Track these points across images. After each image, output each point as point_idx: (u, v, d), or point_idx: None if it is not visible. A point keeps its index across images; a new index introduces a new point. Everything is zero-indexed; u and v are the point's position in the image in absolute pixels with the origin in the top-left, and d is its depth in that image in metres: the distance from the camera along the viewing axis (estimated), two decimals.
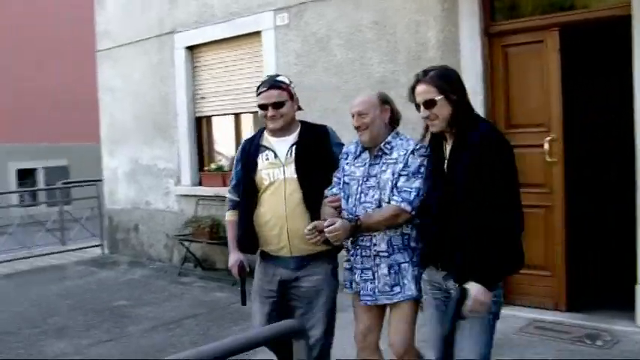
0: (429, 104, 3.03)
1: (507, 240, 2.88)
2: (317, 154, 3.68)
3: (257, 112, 8.31)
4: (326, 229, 3.26)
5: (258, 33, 8.04)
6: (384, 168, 3.40)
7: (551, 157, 5.84)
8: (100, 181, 11.07)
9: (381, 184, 3.38)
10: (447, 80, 3.06)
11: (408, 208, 3.28)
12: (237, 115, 8.83)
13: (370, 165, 3.46)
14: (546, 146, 5.83)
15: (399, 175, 3.33)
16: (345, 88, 7.11)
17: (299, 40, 7.56)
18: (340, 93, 7.15)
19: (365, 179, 3.44)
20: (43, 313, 6.99)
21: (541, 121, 5.90)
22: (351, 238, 3.44)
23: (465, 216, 2.90)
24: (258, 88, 3.76)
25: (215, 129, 9.27)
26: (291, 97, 3.73)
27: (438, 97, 3.01)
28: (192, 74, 9.08)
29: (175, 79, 9.19)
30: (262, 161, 3.72)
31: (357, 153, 3.55)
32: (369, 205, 3.38)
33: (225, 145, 9.20)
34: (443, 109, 3.02)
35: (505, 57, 6.10)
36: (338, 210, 3.53)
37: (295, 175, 3.62)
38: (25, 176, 17.67)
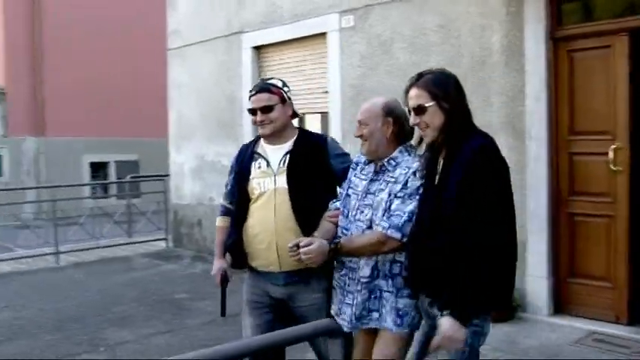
0: (419, 111, 2.78)
1: (491, 269, 2.55)
2: (312, 165, 3.41)
3: (322, 112, 8.44)
4: (301, 250, 2.97)
5: (323, 34, 8.11)
6: (382, 186, 3.08)
7: (616, 166, 5.70)
8: (167, 176, 11.35)
9: (375, 204, 3.06)
10: (442, 86, 2.78)
11: (397, 235, 2.92)
12: (302, 116, 8.93)
13: (371, 180, 3.15)
14: (611, 154, 5.69)
15: (395, 196, 3.00)
16: None
17: (363, 43, 7.60)
18: (400, 96, 7.12)
19: (364, 195, 3.13)
20: (108, 302, 7.24)
21: (606, 129, 5.77)
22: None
23: (449, 236, 2.61)
24: (250, 92, 3.58)
25: None
26: (283, 101, 3.48)
27: (429, 104, 2.75)
28: (258, 74, 9.22)
29: (242, 78, 9.35)
30: (255, 169, 3.51)
31: (365, 164, 3.26)
32: (361, 224, 3.08)
33: None
34: (434, 118, 2.75)
35: (570, 62, 5.99)
36: (337, 225, 3.25)
37: (286, 186, 3.38)
38: (98, 169, 18.24)
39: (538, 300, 6.08)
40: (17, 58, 16.68)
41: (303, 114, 8.83)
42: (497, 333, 5.65)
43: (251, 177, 3.48)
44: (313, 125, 8.99)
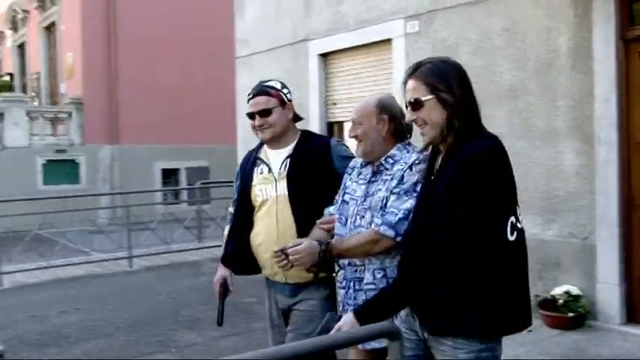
0: (416, 105, 2.43)
1: (470, 292, 2.26)
2: (314, 169, 3.20)
3: None
4: (289, 250, 2.78)
5: (388, 40, 8.13)
6: (380, 186, 2.85)
7: None
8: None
9: (373, 205, 2.83)
10: (442, 77, 2.41)
11: (390, 232, 2.67)
12: None
13: (369, 182, 2.92)
14: None
15: (391, 192, 2.76)
16: None
17: (428, 48, 7.58)
18: None
19: (363, 199, 2.89)
20: (178, 305, 7.43)
21: None
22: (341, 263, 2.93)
23: (440, 236, 2.29)
24: (248, 95, 3.41)
25: (346, 134, 9.43)
26: (282, 103, 3.29)
27: (427, 98, 2.39)
28: (324, 80, 9.30)
29: (308, 86, 9.44)
30: (257, 176, 3.34)
31: (361, 167, 3.03)
32: (363, 229, 2.82)
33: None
34: (433, 113, 2.38)
35: None
36: (331, 233, 2.99)
37: (287, 192, 3.21)
38: (169, 175, 18.65)
39: (609, 308, 5.93)
40: (94, 71, 17.25)
41: None
42: (565, 341, 5.55)
43: (253, 184, 3.34)
44: None
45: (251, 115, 3.32)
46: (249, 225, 3.32)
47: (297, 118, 3.42)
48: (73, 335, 6.46)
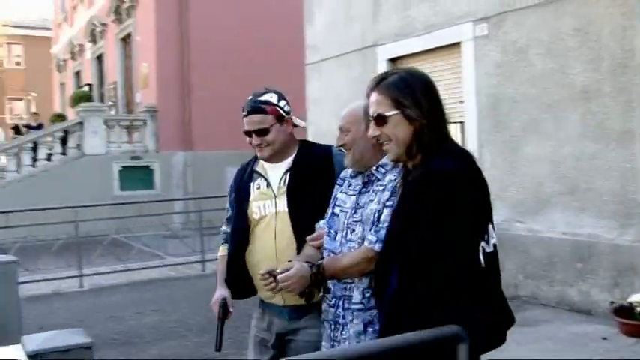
0: (380, 121, 2.26)
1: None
2: (316, 182, 2.94)
3: (457, 122, 8.38)
4: (279, 277, 2.56)
5: (457, 44, 8.08)
6: (371, 197, 2.61)
7: None
8: None
9: (364, 218, 2.59)
10: (407, 90, 2.24)
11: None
12: None
13: (360, 193, 2.68)
14: None
15: (384, 205, 2.52)
16: (545, 98, 6.95)
17: (498, 51, 7.51)
18: (541, 103, 7.00)
19: (353, 211, 2.66)
20: (249, 308, 7.49)
21: None
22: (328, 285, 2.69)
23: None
24: (242, 111, 3.12)
25: None
26: (280, 118, 3.03)
27: (391, 113, 2.24)
28: None
29: None
30: (254, 191, 3.09)
31: (351, 178, 2.79)
32: (353, 245, 2.60)
33: None
34: (398, 130, 2.23)
35: None
36: (321, 250, 2.76)
37: (287, 209, 2.97)
38: None
39: None
40: (167, 80, 17.70)
41: None
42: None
43: (250, 200, 3.07)
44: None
45: (247, 133, 3.06)
46: (246, 243, 3.07)
47: (294, 126, 3.16)
48: (149, 336, 6.65)
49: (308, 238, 2.83)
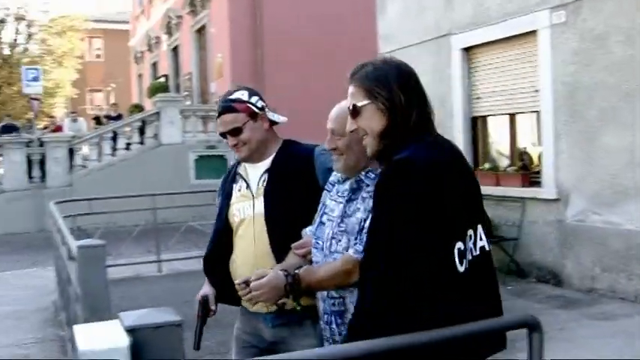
0: (354, 113, 2.16)
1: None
2: (295, 184, 2.78)
3: (532, 112, 8.28)
4: (251, 285, 2.40)
5: (533, 32, 7.95)
6: (359, 205, 2.40)
7: None
8: None
9: (349, 228, 2.39)
10: (380, 80, 2.11)
11: None
12: (512, 116, 8.83)
13: (348, 201, 2.45)
14: None
15: (369, 213, 2.24)
16: (625, 87, 6.78)
17: (575, 38, 7.36)
18: (619, 92, 6.84)
19: (340, 220, 2.44)
20: None
21: None
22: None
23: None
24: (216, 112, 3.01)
25: (490, 129, 9.36)
26: (253, 115, 2.89)
27: (364, 104, 2.12)
28: (468, 75, 9.23)
29: (451, 80, 9.41)
30: (235, 193, 2.98)
31: (339, 183, 2.56)
32: (339, 255, 2.39)
33: (500, 145, 9.26)
34: (372, 122, 2.11)
35: None
36: (308, 259, 2.57)
37: (263, 211, 2.83)
38: None
39: None
40: (241, 70, 17.96)
41: (514, 114, 8.71)
42: None
43: (231, 202, 2.97)
44: (523, 125, 8.86)
45: (222, 135, 2.96)
46: (221, 246, 2.98)
47: (275, 123, 3.03)
48: (223, 320, 6.79)
49: (293, 245, 2.65)
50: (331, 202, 2.52)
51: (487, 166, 9.00)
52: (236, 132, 2.86)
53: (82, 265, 3.41)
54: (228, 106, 2.89)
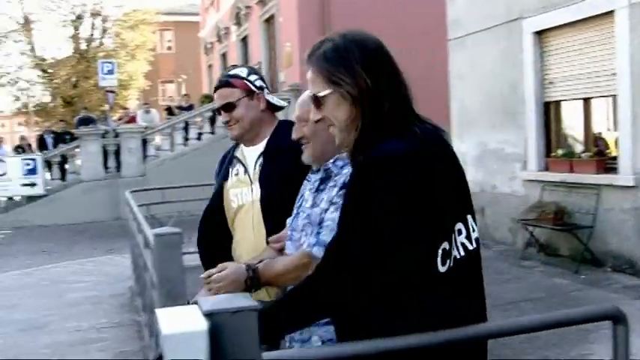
0: (316, 103, 1.88)
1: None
2: (291, 167, 2.54)
3: (609, 96, 8.05)
4: (213, 277, 2.33)
5: (610, 13, 7.70)
6: (323, 195, 2.28)
7: None
8: None
9: (312, 219, 2.27)
10: (341, 62, 1.81)
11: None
12: (586, 100, 8.59)
13: (316, 191, 2.34)
14: None
15: (331, 203, 2.18)
16: None
17: None
18: None
19: (310, 211, 2.32)
20: None
21: None
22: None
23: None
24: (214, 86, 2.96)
25: (564, 114, 9.13)
26: (249, 93, 2.83)
27: (324, 93, 1.83)
28: (540, 59, 9.02)
29: (523, 65, 9.21)
30: (232, 177, 2.91)
31: (311, 174, 2.44)
32: (307, 249, 2.26)
33: (574, 130, 9.03)
34: (337, 111, 1.82)
35: None
36: (283, 252, 2.46)
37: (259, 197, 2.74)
38: None
39: None
40: None
41: (589, 98, 8.47)
42: None
43: (227, 187, 2.90)
44: (599, 109, 8.60)
45: (218, 111, 2.93)
46: (226, 235, 2.90)
47: (275, 107, 2.97)
48: None
49: (270, 239, 2.56)
50: (306, 193, 2.41)
51: (560, 152, 8.78)
52: (229, 107, 2.83)
53: (159, 252, 3.48)
54: (225, 81, 2.87)
